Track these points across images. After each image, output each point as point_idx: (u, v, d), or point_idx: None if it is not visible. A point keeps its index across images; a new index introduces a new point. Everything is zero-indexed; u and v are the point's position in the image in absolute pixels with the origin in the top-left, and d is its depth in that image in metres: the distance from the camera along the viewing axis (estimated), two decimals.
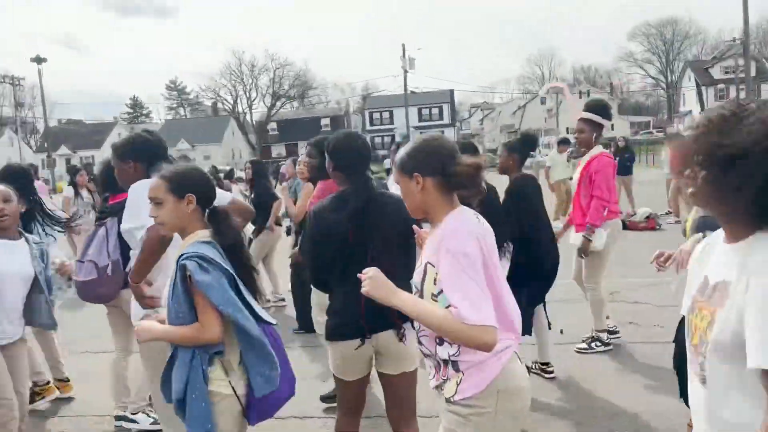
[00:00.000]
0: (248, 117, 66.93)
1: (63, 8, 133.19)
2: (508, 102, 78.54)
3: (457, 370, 1.95)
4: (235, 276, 2.21)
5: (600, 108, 4.73)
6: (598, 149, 4.75)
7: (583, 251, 4.70)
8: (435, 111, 62.15)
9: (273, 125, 63.32)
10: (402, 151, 2.06)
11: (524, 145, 4.39)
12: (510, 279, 4.25)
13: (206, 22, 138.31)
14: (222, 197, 3.30)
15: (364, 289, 1.93)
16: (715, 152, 1.36)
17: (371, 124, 63.53)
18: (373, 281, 1.92)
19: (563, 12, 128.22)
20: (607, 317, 5.14)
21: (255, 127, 65.45)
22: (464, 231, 1.91)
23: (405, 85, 45.63)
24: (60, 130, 62.63)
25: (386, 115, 62.67)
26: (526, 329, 4.27)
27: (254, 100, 65.84)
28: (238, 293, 2.18)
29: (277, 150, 59.24)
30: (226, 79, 64.78)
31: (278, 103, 65.26)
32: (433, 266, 1.92)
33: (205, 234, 2.27)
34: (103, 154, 54.91)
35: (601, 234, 4.67)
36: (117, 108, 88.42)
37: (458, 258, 1.84)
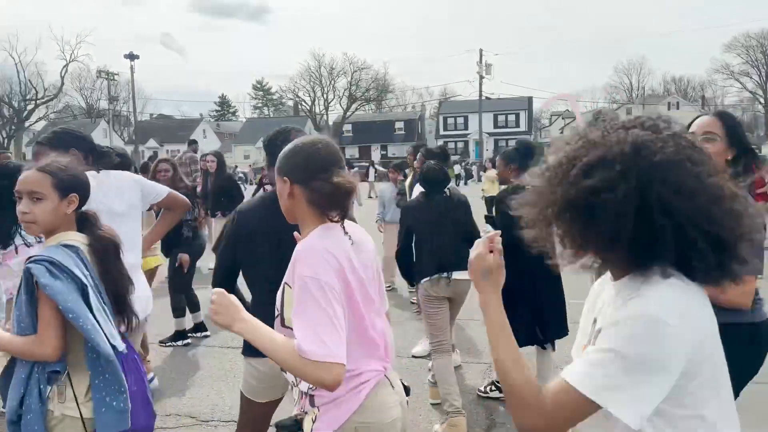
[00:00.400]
0: (325, 118, 68.10)
1: (162, 10, 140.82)
2: (591, 111, 76.02)
3: (312, 405, 1.75)
4: (93, 288, 1.98)
5: None
6: None
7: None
8: (511, 118, 60.86)
9: (348, 127, 64.11)
10: (284, 148, 1.86)
11: (521, 154, 4.17)
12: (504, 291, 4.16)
13: (294, 26, 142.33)
14: (159, 190, 3.23)
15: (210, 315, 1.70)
16: (572, 195, 1.14)
17: (445, 129, 63.06)
18: (215, 305, 1.67)
19: (655, 20, 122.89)
20: None
21: (330, 129, 66.54)
22: (319, 251, 1.66)
23: (480, 90, 45.06)
24: (150, 124, 66.07)
25: (461, 120, 61.98)
26: (529, 340, 3.95)
27: (331, 101, 66.96)
28: (89, 308, 1.94)
29: (351, 151, 59.85)
30: (306, 81, 66.25)
31: (354, 106, 66.01)
32: (290, 287, 1.70)
33: (71, 237, 2.05)
34: (186, 148, 57.33)
35: None
36: (206, 106, 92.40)
37: (308, 283, 1.62)
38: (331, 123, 67.29)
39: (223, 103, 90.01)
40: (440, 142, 62.99)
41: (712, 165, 1.14)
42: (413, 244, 4.07)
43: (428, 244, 3.95)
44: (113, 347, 1.98)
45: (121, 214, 2.87)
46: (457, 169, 38.39)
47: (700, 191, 1.08)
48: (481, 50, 44.36)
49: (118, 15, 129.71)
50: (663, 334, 1.07)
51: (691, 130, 2.38)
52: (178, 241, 5.53)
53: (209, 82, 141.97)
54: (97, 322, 1.94)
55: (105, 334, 1.95)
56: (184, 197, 3.38)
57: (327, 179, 1.71)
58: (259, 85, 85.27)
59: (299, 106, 70.41)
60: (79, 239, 2.07)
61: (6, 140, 48.84)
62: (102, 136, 54.96)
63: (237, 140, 63.35)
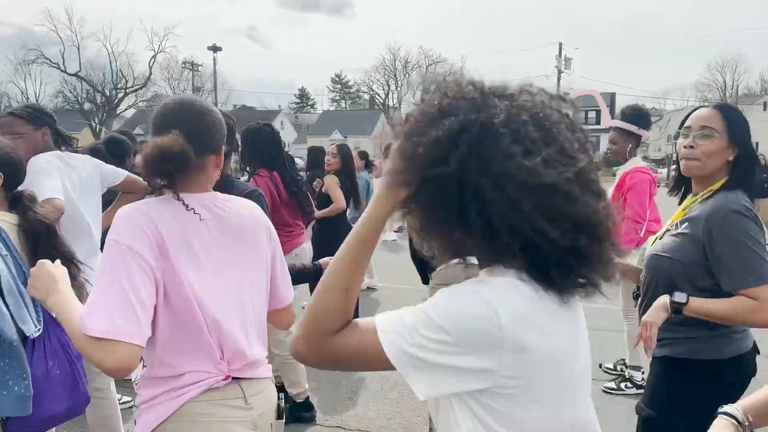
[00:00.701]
0: (399, 112, 68.00)
1: (249, 3, 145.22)
2: (681, 110, 72.09)
3: (134, 405, 1.56)
4: (11, 269, 1.93)
5: (636, 115, 4.10)
6: (633, 163, 4.07)
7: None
8: (591, 114, 58.09)
9: None
10: None
11: None
12: None
13: (375, 19, 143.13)
14: (118, 173, 3.19)
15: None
16: (417, 167, 0.96)
17: None
18: (32, 278, 1.52)
19: (754, 15, 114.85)
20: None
21: None
22: (134, 215, 1.42)
23: (558, 85, 43.65)
24: (232, 115, 68.21)
25: None
26: None
27: (404, 95, 66.79)
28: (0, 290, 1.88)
29: None
30: (380, 74, 66.48)
31: None
32: None
33: None
34: None
35: (633, 257, 4.00)
36: (287, 98, 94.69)
37: (110, 247, 1.38)
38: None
39: (303, 96, 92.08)
40: None
41: (563, 147, 0.93)
42: None
43: None
44: (22, 332, 1.92)
45: (83, 195, 2.88)
46: None
47: (509, 174, 0.90)
48: (560, 44, 43.02)
49: (207, 7, 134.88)
50: (484, 317, 0.91)
51: (687, 124, 2.05)
52: None
53: (291, 74, 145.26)
54: (6, 305, 1.88)
55: (13, 318, 1.89)
56: (144, 181, 3.36)
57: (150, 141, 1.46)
58: (337, 78, 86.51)
59: (374, 100, 70.79)
60: (6, 219, 2.04)
61: (98, 126, 51.79)
62: None
63: (312, 132, 64.52)
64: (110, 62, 54.35)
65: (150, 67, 56.11)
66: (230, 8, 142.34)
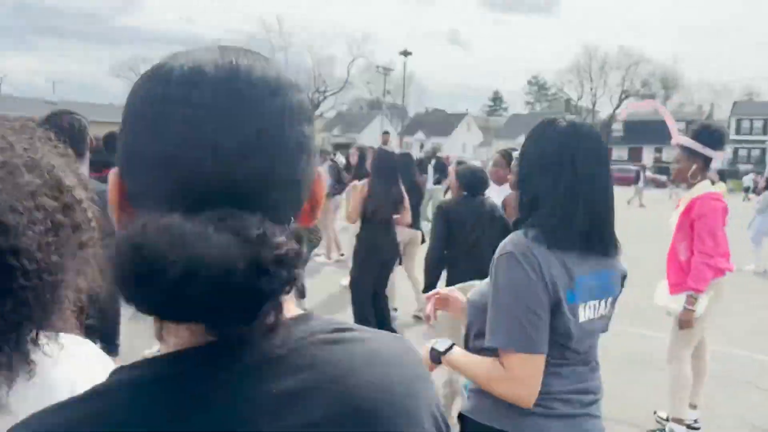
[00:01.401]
0: (599, 114, 64.29)
1: (452, 7, 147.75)
2: None
3: None
4: None
5: (705, 133, 3.35)
6: (703, 187, 3.36)
7: (685, 323, 3.37)
8: None
9: (618, 126, 59.46)
10: None
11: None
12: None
13: (578, 20, 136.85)
14: None
15: None
16: None
17: (738, 132, 54.38)
18: None
19: None
20: (694, 407, 3.63)
21: (599, 126, 62.67)
22: None
23: None
24: (421, 117, 70.15)
25: (758, 124, 52.81)
26: None
27: (600, 97, 62.91)
28: None
29: (619, 152, 55.47)
30: (574, 75, 63.26)
31: (626, 102, 61.05)
32: None
33: None
34: (450, 141, 59.93)
35: (701, 298, 3.33)
36: (481, 100, 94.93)
37: None
38: (602, 119, 63.39)
39: (496, 99, 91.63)
40: (729, 148, 54.79)
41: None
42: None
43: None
44: None
45: None
46: (747, 180, 32.05)
47: None
48: None
49: (409, 12, 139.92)
50: None
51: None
52: None
53: (488, 76, 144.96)
54: None
55: None
56: None
57: None
58: (534, 80, 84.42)
59: (570, 102, 67.76)
60: None
61: None
62: (378, 126, 60.37)
63: (498, 135, 63.60)
64: (313, 67, 58.96)
65: (348, 72, 59.77)
66: (434, 12, 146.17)
